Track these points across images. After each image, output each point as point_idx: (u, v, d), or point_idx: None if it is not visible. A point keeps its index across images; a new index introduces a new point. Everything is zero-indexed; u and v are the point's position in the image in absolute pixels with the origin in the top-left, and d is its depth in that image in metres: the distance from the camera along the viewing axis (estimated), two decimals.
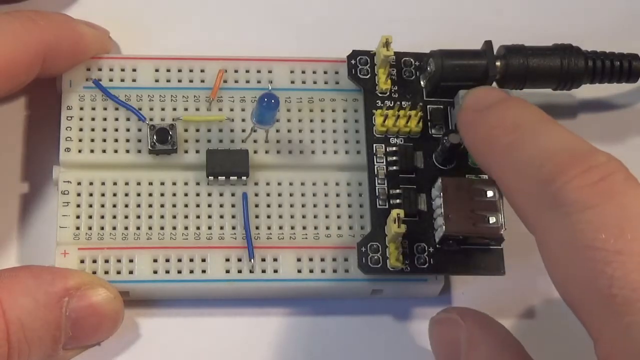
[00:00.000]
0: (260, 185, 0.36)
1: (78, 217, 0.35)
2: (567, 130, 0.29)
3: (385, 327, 0.36)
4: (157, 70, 0.37)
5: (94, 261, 0.34)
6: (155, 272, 0.34)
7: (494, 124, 0.31)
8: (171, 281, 0.34)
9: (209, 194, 0.35)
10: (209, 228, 0.35)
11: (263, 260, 0.35)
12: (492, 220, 0.34)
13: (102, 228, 0.35)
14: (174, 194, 0.35)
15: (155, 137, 0.35)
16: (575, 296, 0.27)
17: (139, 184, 0.35)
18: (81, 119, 0.36)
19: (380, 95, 0.36)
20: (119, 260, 0.34)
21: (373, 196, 0.35)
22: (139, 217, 0.35)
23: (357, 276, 0.35)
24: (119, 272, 0.34)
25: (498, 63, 0.36)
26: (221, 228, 0.35)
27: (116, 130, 0.36)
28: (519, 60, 0.36)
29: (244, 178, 0.36)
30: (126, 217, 0.35)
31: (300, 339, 0.35)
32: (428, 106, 0.36)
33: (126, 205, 0.35)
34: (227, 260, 0.35)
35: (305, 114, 0.37)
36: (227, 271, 0.35)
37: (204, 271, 0.34)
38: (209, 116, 0.36)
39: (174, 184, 0.35)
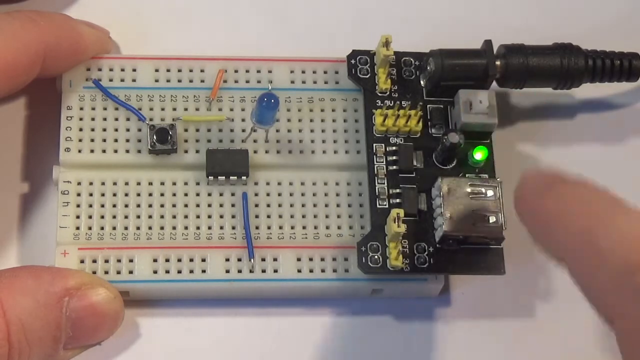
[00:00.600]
0: (260, 185, 0.36)
1: (78, 217, 0.35)
2: None
3: (385, 327, 0.36)
4: (157, 70, 0.37)
5: (94, 261, 0.34)
6: (155, 272, 0.34)
7: (564, 208, 0.29)
8: (171, 281, 0.34)
9: (209, 194, 0.35)
10: (209, 228, 0.35)
11: (263, 260, 0.35)
12: (492, 220, 0.34)
13: (102, 228, 0.35)
14: (174, 194, 0.35)
15: (155, 137, 0.35)
16: None
17: (139, 184, 0.35)
18: (81, 119, 0.36)
19: (380, 95, 0.36)
20: (119, 260, 0.34)
21: (373, 196, 0.35)
22: (138, 217, 0.35)
23: (357, 276, 0.35)
24: (119, 272, 0.34)
25: (498, 62, 0.36)
26: (221, 228, 0.35)
27: (116, 130, 0.36)
28: (519, 60, 0.36)
29: (243, 178, 0.36)
30: (126, 217, 0.35)
31: (300, 339, 0.35)
32: (428, 106, 0.36)
33: (126, 205, 0.35)
34: (227, 260, 0.35)
35: (305, 114, 0.37)
36: (227, 271, 0.35)
37: (204, 271, 0.34)
38: (209, 116, 0.36)
39: (174, 184, 0.35)
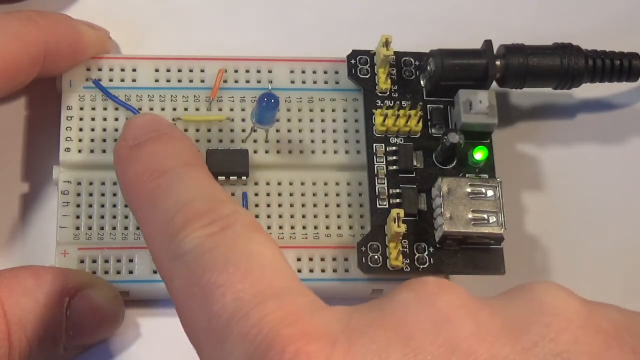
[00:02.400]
0: (260, 185, 0.36)
1: (78, 217, 0.35)
2: (208, 178, 0.30)
3: None
4: (157, 70, 0.37)
5: (94, 261, 0.34)
6: (155, 272, 0.34)
7: (143, 166, 0.30)
8: None
9: None
10: None
11: None
12: (492, 220, 0.34)
13: (102, 228, 0.35)
14: None
15: None
16: (191, 336, 0.27)
17: None
18: (81, 119, 0.36)
19: (380, 94, 0.36)
20: (119, 260, 0.34)
21: (373, 196, 0.35)
22: None
23: (357, 276, 0.35)
24: (119, 272, 0.34)
25: (498, 62, 0.36)
26: None
27: (116, 130, 0.36)
28: (519, 60, 0.36)
29: (244, 178, 0.36)
30: (126, 217, 0.35)
31: None
32: (428, 106, 0.36)
33: (126, 205, 0.35)
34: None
35: (305, 114, 0.37)
36: None
37: None
38: (209, 116, 0.36)
39: None
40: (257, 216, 0.35)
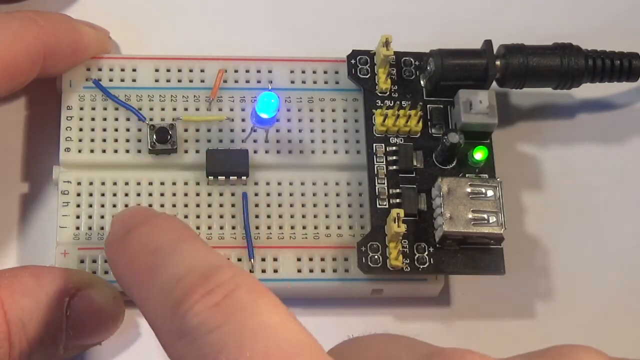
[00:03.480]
0: (260, 185, 0.36)
1: (78, 217, 0.35)
2: (204, 247, 0.28)
3: (385, 327, 0.36)
4: (157, 70, 0.37)
5: (94, 261, 0.34)
6: None
7: (136, 249, 0.29)
8: None
9: (209, 194, 0.35)
10: (209, 228, 0.35)
11: (263, 260, 0.35)
12: (492, 220, 0.34)
13: (102, 228, 0.35)
14: (174, 194, 0.35)
15: (155, 137, 0.35)
16: None
17: (138, 184, 0.35)
18: (81, 119, 0.36)
19: (380, 94, 0.36)
20: None
21: (373, 196, 0.35)
22: None
23: (357, 276, 0.35)
24: None
25: (498, 62, 0.36)
26: (221, 228, 0.35)
27: (116, 130, 0.36)
28: (519, 60, 0.36)
29: (243, 178, 0.36)
30: None
31: None
32: (428, 106, 0.36)
33: (126, 205, 0.35)
34: (227, 260, 0.35)
35: (305, 114, 0.37)
36: None
37: None
38: (209, 116, 0.36)
39: (174, 184, 0.35)
40: (257, 216, 0.35)
